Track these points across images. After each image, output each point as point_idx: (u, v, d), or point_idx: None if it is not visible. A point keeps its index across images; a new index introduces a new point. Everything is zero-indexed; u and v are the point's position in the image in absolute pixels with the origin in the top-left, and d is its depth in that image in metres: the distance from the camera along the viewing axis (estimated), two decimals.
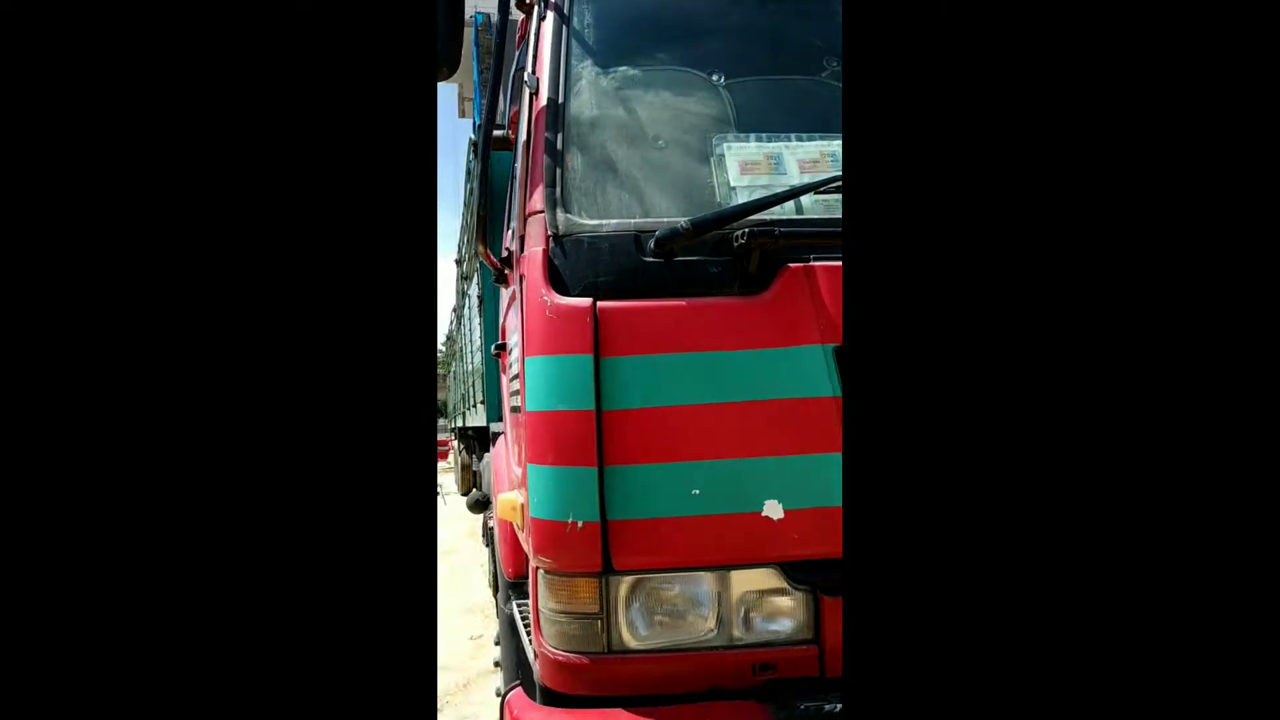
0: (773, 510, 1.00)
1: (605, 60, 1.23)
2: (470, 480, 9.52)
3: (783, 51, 1.30)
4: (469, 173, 3.30)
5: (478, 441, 5.43)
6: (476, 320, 3.69)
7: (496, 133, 1.48)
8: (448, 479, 13.30)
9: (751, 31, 1.30)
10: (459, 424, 9.51)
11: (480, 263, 2.58)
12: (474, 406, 4.66)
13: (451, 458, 14.92)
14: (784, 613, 1.03)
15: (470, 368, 4.97)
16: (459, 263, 5.39)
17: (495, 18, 1.30)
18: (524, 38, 1.45)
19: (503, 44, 1.32)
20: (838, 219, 1.07)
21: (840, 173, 1.10)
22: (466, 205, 3.60)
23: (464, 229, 4.01)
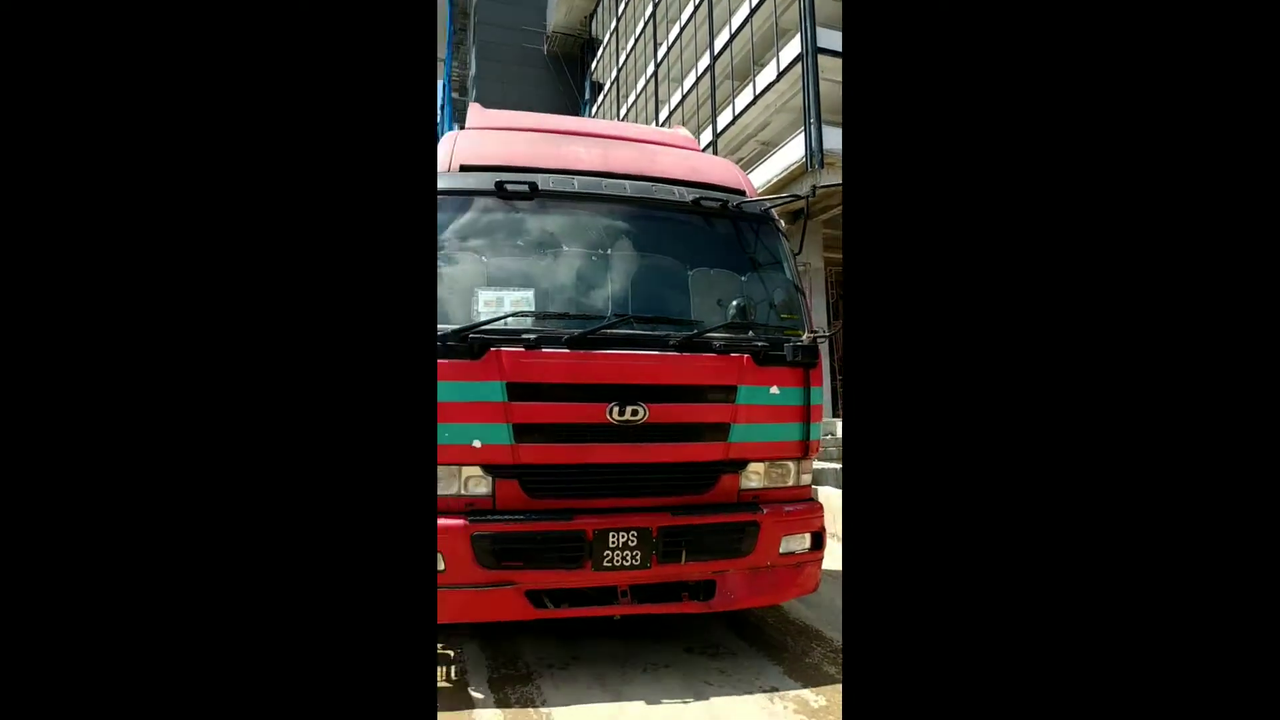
0: (476, 444, 2.74)
1: (451, 241, 2.93)
2: None
3: (518, 242, 3.03)
4: None
5: None
6: None
7: None
8: None
9: (505, 235, 3.03)
10: None
11: None
12: None
13: None
14: (480, 484, 2.77)
15: None
16: None
17: None
18: None
19: None
20: (513, 330, 2.78)
21: (521, 310, 2.83)
22: None
23: None
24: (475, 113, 4.05)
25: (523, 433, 2.75)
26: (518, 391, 2.74)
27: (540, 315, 2.87)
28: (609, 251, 3.12)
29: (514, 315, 2.83)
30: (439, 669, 3.02)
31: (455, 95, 35.60)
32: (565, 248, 3.08)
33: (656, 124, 19.66)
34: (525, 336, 2.76)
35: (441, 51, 38.28)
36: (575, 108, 29.21)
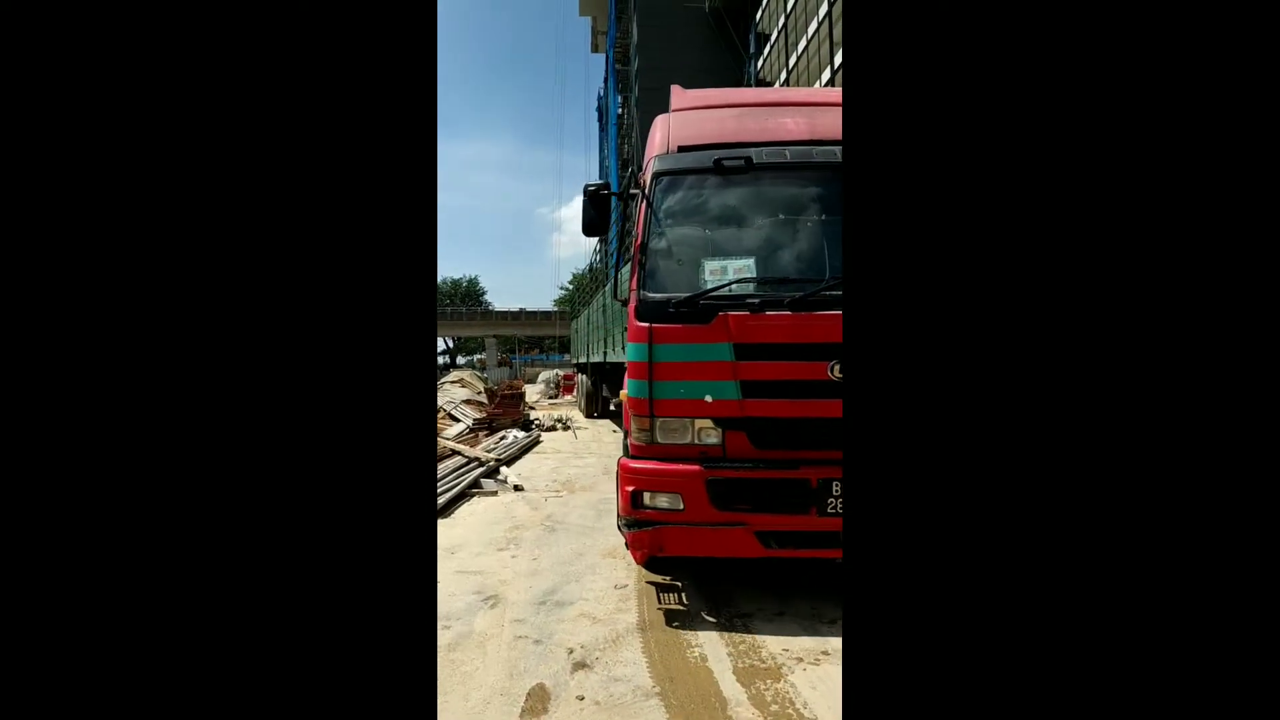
0: (708, 399, 3.11)
1: (664, 224, 3.32)
2: (593, 404, 12.67)
3: (737, 213, 3.31)
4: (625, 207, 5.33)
5: (615, 373, 8.62)
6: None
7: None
8: (575, 413, 15.39)
9: (725, 207, 3.32)
10: (584, 359, 12.81)
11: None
12: (615, 348, 7.73)
13: (576, 391, 17.64)
14: (711, 435, 3.15)
15: (612, 323, 7.96)
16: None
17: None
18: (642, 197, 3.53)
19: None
20: (737, 295, 3.09)
21: (744, 276, 3.13)
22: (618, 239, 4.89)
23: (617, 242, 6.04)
24: (677, 94, 4.36)
25: (749, 389, 3.06)
26: (744, 351, 3.05)
27: (762, 280, 3.14)
28: (824, 216, 3.28)
29: (738, 281, 3.13)
30: (670, 595, 3.49)
31: (618, 66, 36.44)
32: (782, 215, 3.30)
33: (831, 69, 18.70)
34: (749, 301, 3.05)
35: (603, 24, 39.26)
36: (738, 65, 28.59)
